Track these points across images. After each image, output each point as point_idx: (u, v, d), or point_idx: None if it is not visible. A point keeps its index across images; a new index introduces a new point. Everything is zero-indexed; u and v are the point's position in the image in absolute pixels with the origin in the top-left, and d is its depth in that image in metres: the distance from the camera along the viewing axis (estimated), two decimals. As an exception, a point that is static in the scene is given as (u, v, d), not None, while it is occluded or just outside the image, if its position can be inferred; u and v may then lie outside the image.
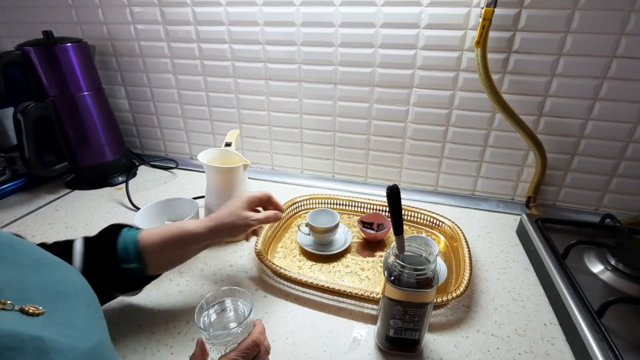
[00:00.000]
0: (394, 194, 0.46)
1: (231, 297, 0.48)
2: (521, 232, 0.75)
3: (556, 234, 0.68)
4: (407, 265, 0.43)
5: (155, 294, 0.60)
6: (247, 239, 0.65)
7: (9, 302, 0.27)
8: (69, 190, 0.94)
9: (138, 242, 0.49)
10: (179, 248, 0.51)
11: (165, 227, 0.52)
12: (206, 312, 0.46)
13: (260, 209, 0.59)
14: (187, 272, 0.65)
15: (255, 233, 0.64)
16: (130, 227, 0.52)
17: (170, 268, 0.54)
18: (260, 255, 0.64)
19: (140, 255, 0.48)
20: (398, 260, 0.44)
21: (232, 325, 0.47)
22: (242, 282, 0.63)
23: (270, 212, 0.58)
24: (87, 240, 0.48)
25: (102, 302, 0.47)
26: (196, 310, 0.44)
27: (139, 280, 0.51)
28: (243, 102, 0.96)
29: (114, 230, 0.50)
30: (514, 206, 0.86)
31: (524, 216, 0.74)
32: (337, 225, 0.70)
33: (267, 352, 0.45)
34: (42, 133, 0.87)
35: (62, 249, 0.46)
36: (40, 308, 0.29)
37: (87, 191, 0.93)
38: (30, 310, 0.28)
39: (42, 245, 0.45)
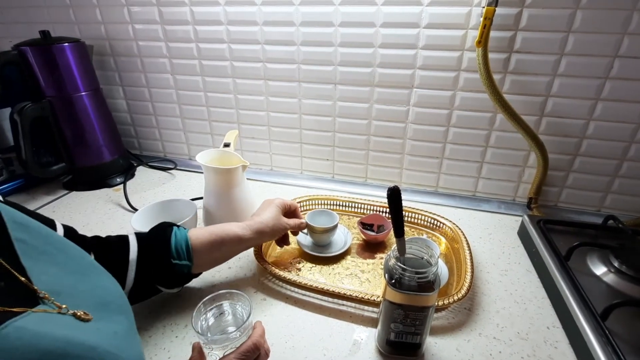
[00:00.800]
0: (394, 195, 0.45)
1: (229, 300, 0.47)
2: (523, 234, 0.74)
3: (558, 235, 0.68)
4: (409, 268, 0.43)
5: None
6: (282, 244, 0.67)
7: (64, 306, 0.29)
8: (66, 192, 0.93)
9: (189, 240, 0.52)
10: (226, 249, 0.56)
11: (212, 228, 0.56)
12: (204, 315, 0.45)
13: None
14: (185, 275, 0.64)
15: (285, 242, 0.67)
16: (178, 226, 0.55)
17: (212, 267, 0.59)
18: (259, 257, 0.63)
19: (190, 253, 0.52)
20: (399, 263, 0.43)
21: (231, 329, 0.46)
22: (241, 284, 0.62)
23: (299, 220, 0.65)
24: (140, 236, 0.52)
25: (147, 296, 0.53)
26: (193, 314, 0.43)
27: (185, 277, 0.54)
28: (242, 102, 0.95)
29: (166, 228, 0.53)
30: (515, 207, 0.85)
31: (526, 217, 0.74)
32: (336, 226, 0.69)
33: (267, 355, 0.44)
34: (39, 134, 0.86)
35: (117, 242, 0.50)
36: (89, 314, 0.31)
37: (85, 192, 0.93)
38: (82, 316, 0.30)
39: (96, 237, 0.50)
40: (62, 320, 0.28)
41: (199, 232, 0.54)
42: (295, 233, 0.67)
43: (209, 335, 0.44)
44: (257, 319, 0.54)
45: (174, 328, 0.53)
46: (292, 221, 0.63)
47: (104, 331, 0.31)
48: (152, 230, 0.53)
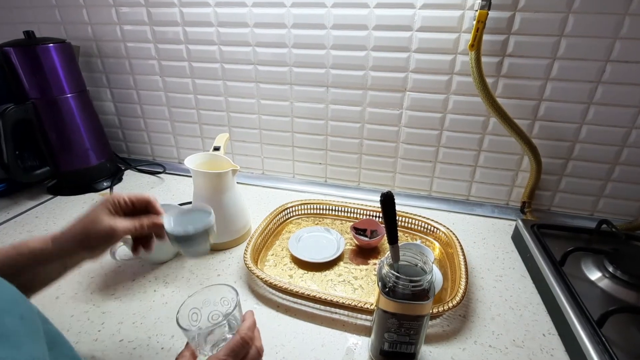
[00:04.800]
0: (388, 201, 0.44)
1: (217, 295, 0.44)
2: (517, 238, 0.73)
3: (552, 240, 0.67)
4: (402, 276, 0.41)
5: (138, 305, 0.57)
6: (134, 253, 0.49)
7: None
8: (50, 196, 0.90)
9: None
10: (25, 270, 0.40)
11: (4, 247, 0.40)
12: (193, 313, 0.42)
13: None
14: (172, 283, 0.62)
15: (146, 246, 0.48)
16: None
17: (37, 291, 0.43)
18: (249, 264, 0.62)
19: None
20: (392, 271, 0.42)
21: (220, 322, 0.42)
22: (230, 292, 0.60)
23: (143, 219, 0.45)
24: None
25: None
26: (178, 311, 0.40)
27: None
28: (233, 105, 0.94)
29: None
30: (508, 211, 0.85)
31: (519, 222, 0.73)
32: (204, 233, 0.47)
33: (260, 354, 0.41)
34: (22, 137, 0.83)
35: None
36: None
37: (70, 197, 0.90)
38: None
39: None
40: None
41: None
42: (158, 234, 0.47)
43: (194, 330, 0.40)
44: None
45: (160, 339, 0.51)
46: (123, 223, 0.43)
47: None
48: None
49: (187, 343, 0.41)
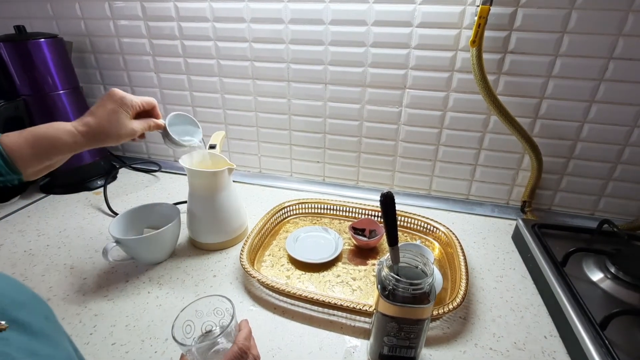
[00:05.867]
0: (388, 201, 0.42)
1: (209, 306, 0.44)
2: (517, 238, 0.72)
3: (553, 240, 0.66)
4: (403, 278, 0.40)
5: (131, 307, 0.56)
6: (141, 138, 0.58)
7: None
8: (43, 195, 0.88)
9: (5, 154, 0.44)
10: (53, 156, 0.47)
11: (31, 133, 0.46)
12: (187, 325, 0.42)
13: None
14: (167, 284, 0.61)
15: (143, 136, 0.58)
16: None
17: (47, 172, 0.50)
18: (245, 265, 0.60)
19: (11, 165, 0.44)
20: (392, 274, 0.41)
21: (216, 334, 0.43)
22: (227, 293, 0.59)
23: (151, 121, 0.56)
24: None
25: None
26: (173, 325, 0.40)
27: (22, 185, 0.49)
28: (229, 102, 0.92)
29: None
30: (509, 211, 0.84)
31: (520, 221, 0.72)
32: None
33: None
34: (13, 134, 0.81)
35: None
36: (3, 323, 0.27)
37: (63, 196, 0.88)
38: None
39: None
40: None
41: (14, 140, 0.45)
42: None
43: (191, 344, 0.41)
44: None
45: (153, 342, 0.50)
46: (140, 123, 0.54)
47: (21, 337, 0.27)
48: None
49: (182, 355, 0.41)
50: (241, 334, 0.41)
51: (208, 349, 0.40)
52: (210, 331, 0.44)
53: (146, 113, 0.56)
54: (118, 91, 0.52)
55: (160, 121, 0.58)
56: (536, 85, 0.71)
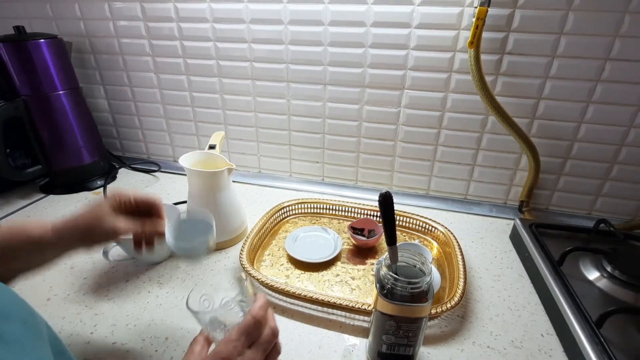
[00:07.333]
0: (386, 201, 0.43)
1: (225, 282, 0.42)
2: (515, 238, 0.73)
3: (550, 239, 0.67)
4: (401, 277, 0.41)
5: (132, 307, 0.56)
6: (136, 253, 0.49)
7: None
8: (43, 195, 0.88)
9: None
10: (18, 256, 0.39)
11: (7, 224, 0.40)
12: (204, 299, 0.41)
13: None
14: (167, 284, 0.61)
15: (149, 242, 0.47)
16: None
17: (14, 277, 0.41)
18: (245, 265, 0.61)
19: None
20: (391, 273, 0.41)
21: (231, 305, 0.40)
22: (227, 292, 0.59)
23: (146, 223, 0.45)
24: None
25: None
26: (189, 293, 0.39)
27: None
28: (229, 102, 0.92)
29: None
30: (506, 210, 0.84)
31: (518, 221, 0.73)
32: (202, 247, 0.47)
33: (274, 334, 0.38)
34: (12, 134, 0.81)
35: None
36: None
37: (63, 196, 0.88)
38: None
39: None
40: None
41: None
42: (159, 238, 0.46)
43: (205, 311, 0.39)
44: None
45: (154, 342, 0.50)
46: (127, 223, 0.43)
47: None
48: None
49: (201, 330, 0.39)
50: (256, 304, 0.37)
51: (224, 320, 0.38)
52: (228, 306, 0.41)
53: (147, 212, 0.46)
54: (119, 189, 0.45)
55: (161, 225, 0.45)
56: (534, 86, 0.72)
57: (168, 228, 0.46)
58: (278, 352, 0.40)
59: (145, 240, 0.46)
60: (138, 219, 0.45)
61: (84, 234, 0.42)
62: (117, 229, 0.42)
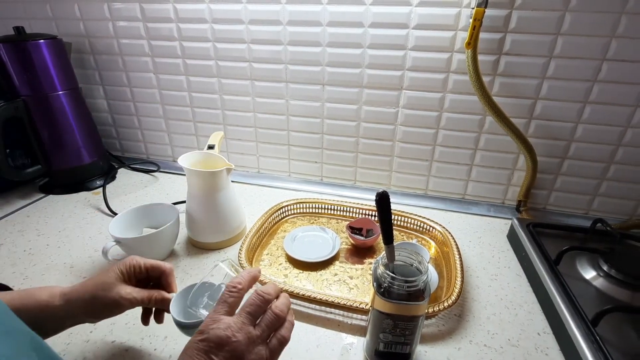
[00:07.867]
0: (383, 200, 0.43)
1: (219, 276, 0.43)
2: (512, 237, 0.73)
3: (547, 239, 0.67)
4: (398, 276, 0.41)
5: (131, 306, 0.56)
6: (144, 323, 0.48)
7: None
8: (42, 195, 0.89)
9: None
10: (27, 320, 0.35)
11: (15, 293, 0.41)
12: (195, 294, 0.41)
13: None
14: (166, 283, 0.61)
15: (157, 318, 0.48)
16: None
17: None
18: (244, 264, 0.61)
19: None
20: (388, 271, 0.42)
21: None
22: (225, 292, 0.60)
23: (154, 293, 0.44)
24: None
25: None
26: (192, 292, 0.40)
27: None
28: (228, 103, 0.93)
29: None
30: (504, 210, 0.85)
31: (515, 221, 0.73)
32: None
33: (291, 324, 0.39)
34: (12, 134, 0.82)
35: None
36: None
37: (62, 196, 0.89)
38: None
39: None
40: None
41: None
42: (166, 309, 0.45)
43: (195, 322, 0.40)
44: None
45: (153, 340, 0.50)
46: (132, 293, 0.42)
47: None
48: None
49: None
50: (280, 301, 0.38)
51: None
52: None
53: (157, 281, 0.47)
54: (131, 258, 0.45)
55: (169, 295, 0.45)
56: (531, 86, 0.72)
57: (176, 298, 0.45)
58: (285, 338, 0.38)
59: (154, 313, 0.47)
60: (147, 288, 0.45)
61: (89, 305, 0.42)
62: (122, 300, 0.42)
